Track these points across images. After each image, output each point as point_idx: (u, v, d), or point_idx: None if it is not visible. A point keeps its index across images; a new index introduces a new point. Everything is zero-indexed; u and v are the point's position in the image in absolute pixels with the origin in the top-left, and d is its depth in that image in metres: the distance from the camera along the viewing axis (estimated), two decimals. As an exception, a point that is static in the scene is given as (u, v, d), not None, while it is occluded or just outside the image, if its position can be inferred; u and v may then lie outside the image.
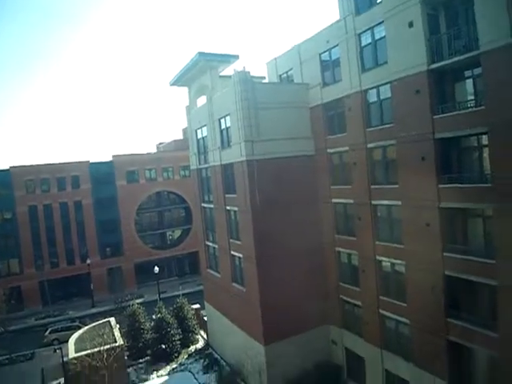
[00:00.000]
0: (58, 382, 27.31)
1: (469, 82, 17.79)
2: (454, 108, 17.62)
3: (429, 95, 17.97)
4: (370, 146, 21.69)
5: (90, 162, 52.89)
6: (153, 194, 56.93)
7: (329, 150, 24.92)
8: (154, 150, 73.89)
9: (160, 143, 74.49)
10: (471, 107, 17.11)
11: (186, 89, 33.41)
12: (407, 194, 19.49)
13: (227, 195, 27.23)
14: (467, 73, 17.62)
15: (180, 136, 67.33)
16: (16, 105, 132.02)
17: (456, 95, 18.22)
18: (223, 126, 26.98)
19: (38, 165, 50.54)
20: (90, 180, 52.37)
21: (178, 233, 60.85)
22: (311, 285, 25.33)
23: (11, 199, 48.60)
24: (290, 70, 28.17)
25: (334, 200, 24.89)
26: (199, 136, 31.58)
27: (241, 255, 26.22)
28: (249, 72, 24.45)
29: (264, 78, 31.69)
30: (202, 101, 31.38)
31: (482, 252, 16.84)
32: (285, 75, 29.17)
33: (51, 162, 51.20)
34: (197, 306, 38.12)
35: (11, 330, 40.88)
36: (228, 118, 25.88)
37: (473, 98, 17.40)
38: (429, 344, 19.03)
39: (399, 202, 20.10)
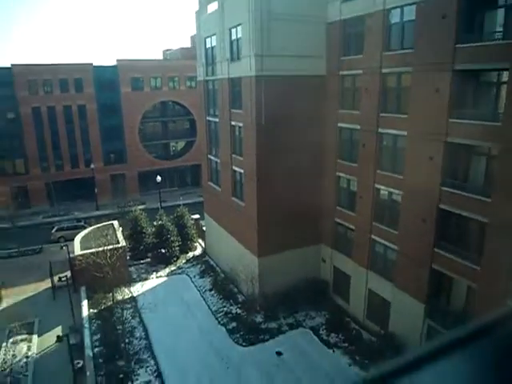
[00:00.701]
0: (64, 274, 29.47)
1: (500, 12, 16.47)
2: (479, 39, 16.54)
3: (455, 21, 16.73)
4: (384, 71, 20.77)
5: (94, 65, 50.91)
6: (157, 104, 55.82)
7: (341, 72, 23.92)
8: (160, 56, 70.65)
9: (167, 50, 70.97)
10: (498, 39, 16.05)
11: (196, -9, 30.98)
12: (416, 124, 19.18)
13: (233, 110, 26.79)
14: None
15: (188, 44, 63.94)
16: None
17: (485, 25, 16.99)
18: (233, 37, 25.53)
19: (40, 64, 48.69)
20: (94, 84, 50.89)
21: (181, 144, 60.90)
22: (308, 205, 26.12)
23: (14, 99, 47.79)
24: (310, -23, 25.83)
25: (340, 124, 24.54)
26: (208, 45, 30.04)
27: (242, 171, 26.64)
28: (265, -22, 22.46)
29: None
30: (213, 7, 29.25)
31: (479, 190, 17.12)
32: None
33: (54, 63, 49.32)
34: (196, 216, 39.69)
35: (19, 226, 43.10)
36: (239, 28, 24.37)
37: (501, 29, 16.23)
38: (413, 270, 20.24)
39: (406, 133, 19.87)
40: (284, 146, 24.40)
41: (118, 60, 51.82)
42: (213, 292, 29.24)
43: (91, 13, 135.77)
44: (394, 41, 20.38)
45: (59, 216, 47.64)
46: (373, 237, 23.03)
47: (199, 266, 33.63)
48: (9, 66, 47.30)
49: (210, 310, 27.07)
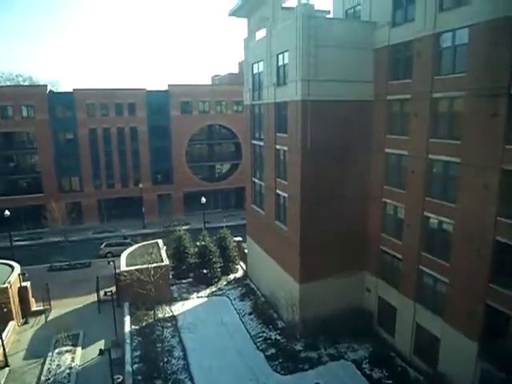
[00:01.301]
0: (110, 289, 30.41)
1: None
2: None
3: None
4: (435, 95, 20.16)
5: (147, 90, 53.76)
6: (205, 127, 57.62)
7: (389, 97, 23.53)
8: (209, 82, 73.33)
9: (215, 75, 73.65)
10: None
11: (245, 20, 32.08)
12: (469, 151, 18.31)
13: (278, 134, 27.01)
14: None
15: (236, 70, 65.98)
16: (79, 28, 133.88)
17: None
18: (280, 63, 26.02)
19: (98, 89, 52.28)
20: (146, 108, 53.62)
21: (226, 167, 62.09)
22: (352, 232, 25.47)
23: (74, 121, 51.35)
24: (358, 5, 26.06)
25: (388, 150, 23.96)
26: (255, 71, 30.80)
27: (286, 195, 26.56)
28: (313, 5, 22.90)
29: (328, 12, 29.62)
30: (261, 34, 30.13)
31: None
32: (351, 11, 27.09)
33: (110, 88, 52.66)
34: (239, 238, 39.85)
35: (71, 240, 45.26)
36: (286, 54, 24.83)
37: None
38: (466, 305, 18.92)
39: (459, 160, 18.99)
40: (329, 171, 24.15)
41: (169, 85, 54.37)
42: (252, 316, 28.89)
43: (144, 38, 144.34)
44: (446, 65, 19.80)
45: (108, 232, 49.69)
46: (421, 267, 21.89)
47: (240, 288, 33.49)
48: (71, 90, 51.07)
49: (249, 334, 26.68)
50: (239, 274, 36.58)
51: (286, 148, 26.00)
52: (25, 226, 49.80)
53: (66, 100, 51.05)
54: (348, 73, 23.77)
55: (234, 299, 31.72)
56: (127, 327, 26.63)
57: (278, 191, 27.78)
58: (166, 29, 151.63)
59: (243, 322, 28.16)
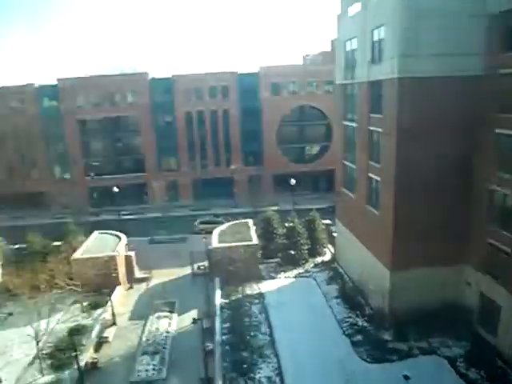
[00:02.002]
0: (202, 264, 32.49)
1: None
2: None
3: None
4: None
5: (238, 72, 54.93)
6: (295, 108, 57.19)
7: (502, 71, 20.74)
8: (300, 62, 72.25)
9: (307, 55, 72.20)
10: None
11: (339, -6, 30.68)
12: None
13: (372, 115, 25.69)
14: None
15: (328, 48, 63.91)
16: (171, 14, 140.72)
17: None
18: (376, 38, 24.45)
19: (193, 74, 54.91)
20: (238, 90, 54.96)
21: (316, 149, 61.22)
22: (452, 221, 23.46)
23: (171, 105, 54.82)
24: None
25: (499, 130, 21.25)
26: (348, 48, 29.45)
27: (379, 178, 25.34)
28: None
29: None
30: (355, 10, 28.53)
31: None
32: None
33: (205, 72, 54.91)
34: (327, 221, 39.36)
35: (169, 216, 48.91)
36: (383, 28, 23.23)
37: None
38: None
39: None
40: (427, 154, 22.35)
41: (260, 67, 54.83)
42: (339, 300, 28.56)
43: (232, 19, 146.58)
44: None
45: (202, 210, 52.63)
46: (535, 263, 19.40)
47: (327, 271, 33.24)
48: (170, 76, 54.42)
49: (335, 318, 26.47)
50: (327, 257, 36.25)
51: (380, 129, 24.65)
52: (130, 201, 55.09)
53: (165, 85, 54.72)
54: (453, 45, 21.40)
55: (321, 282, 31.61)
56: (218, 300, 28.19)
57: (370, 175, 26.62)
58: (255, 8, 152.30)
59: (330, 306, 28.00)
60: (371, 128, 25.92)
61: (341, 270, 33.05)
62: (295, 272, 33.64)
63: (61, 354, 23.50)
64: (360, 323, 25.62)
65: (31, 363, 23.38)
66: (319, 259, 35.80)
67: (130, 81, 55.12)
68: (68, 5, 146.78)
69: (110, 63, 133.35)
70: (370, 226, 26.85)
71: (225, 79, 54.67)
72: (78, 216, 45.39)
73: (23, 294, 23.64)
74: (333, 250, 36.59)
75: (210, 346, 22.98)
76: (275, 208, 44.61)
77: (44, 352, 23.69)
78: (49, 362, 23.21)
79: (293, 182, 46.02)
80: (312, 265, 34.82)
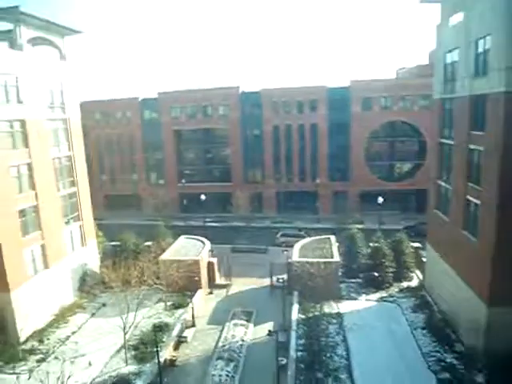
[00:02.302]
0: (281, 276, 32.34)
1: None
2: None
3: None
4: None
5: (328, 86, 54.54)
6: (386, 123, 54.91)
7: None
8: (393, 75, 69.49)
9: (401, 68, 69.15)
10: None
11: (438, 6, 28.90)
12: None
13: (473, 132, 23.55)
14: None
15: (425, 61, 60.56)
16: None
17: None
18: (480, 49, 22.45)
19: (282, 88, 55.94)
20: (327, 104, 54.53)
21: (407, 166, 58.03)
22: None
23: (260, 118, 56.38)
24: None
25: None
26: (448, 61, 27.51)
27: (478, 202, 23.01)
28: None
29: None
30: (457, 19, 26.63)
31: None
32: None
33: (294, 86, 55.49)
34: (417, 244, 36.85)
35: (252, 226, 49.86)
36: (488, 38, 21.26)
37: None
38: None
39: None
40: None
41: (351, 81, 53.83)
42: (425, 331, 26.29)
43: (321, 32, 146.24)
44: None
45: (284, 223, 52.78)
46: None
47: (413, 298, 30.89)
48: (259, 89, 56.13)
49: (420, 350, 24.37)
50: (414, 282, 33.75)
51: (481, 148, 22.45)
52: (215, 209, 57.40)
53: (255, 99, 56.48)
54: None
55: (406, 309, 29.46)
56: (294, 315, 27.76)
57: (468, 197, 24.30)
58: (346, 21, 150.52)
59: (414, 336, 25.90)
60: (471, 146, 23.74)
61: (429, 298, 30.50)
62: (378, 295, 31.83)
63: (144, 348, 25.12)
64: (448, 360, 23.24)
65: (118, 352, 25.30)
66: (405, 284, 33.44)
67: (222, 95, 57.93)
68: (158, 24, 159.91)
69: (202, 76, 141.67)
70: (466, 253, 24.40)
71: (314, 93, 54.65)
72: (168, 219, 48.54)
73: (116, 287, 25.64)
74: (421, 276, 33.99)
75: (283, 360, 22.64)
76: (360, 226, 42.99)
77: (129, 343, 25.49)
78: (133, 353, 24.90)
79: (380, 200, 44.02)
80: (397, 289, 32.65)
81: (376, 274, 32.78)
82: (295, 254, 32.75)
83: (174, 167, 60.79)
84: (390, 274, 32.81)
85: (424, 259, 33.72)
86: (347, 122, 54.54)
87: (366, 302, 30.99)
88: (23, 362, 24.51)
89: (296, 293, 30.42)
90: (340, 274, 32.36)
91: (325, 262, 29.56)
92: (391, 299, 31.15)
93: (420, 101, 52.64)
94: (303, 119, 55.58)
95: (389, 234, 37.10)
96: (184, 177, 60.19)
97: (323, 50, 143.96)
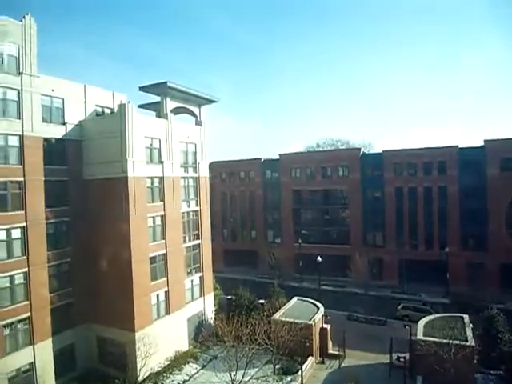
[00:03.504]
0: (403, 355, 28.65)
1: None
2: None
3: None
4: None
5: (459, 147, 50.46)
6: (533, 187, 47.61)
7: None
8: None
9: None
10: None
11: None
12: None
13: None
14: None
15: None
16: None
17: None
18: None
19: (406, 149, 53.69)
20: (457, 166, 50.14)
21: None
22: None
23: (381, 180, 54.45)
24: None
25: None
26: None
27: None
28: None
29: None
30: None
31: None
32: None
33: (418, 147, 52.89)
34: None
35: (370, 295, 46.40)
36: None
37: None
38: None
39: None
40: None
41: (485, 140, 48.98)
42: None
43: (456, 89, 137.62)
44: None
45: (406, 294, 47.96)
46: None
47: None
48: (380, 151, 54.75)
49: None
50: None
51: None
52: (331, 272, 55.23)
53: (376, 160, 55.16)
54: None
55: None
56: (418, 403, 23.98)
57: None
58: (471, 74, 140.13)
59: None
60: None
61: None
62: (527, 395, 25.81)
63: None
64: None
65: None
66: None
67: (343, 156, 57.97)
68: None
69: (322, 135, 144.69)
70: None
71: (442, 154, 50.94)
72: (282, 279, 48.18)
73: (228, 342, 25.68)
74: None
75: None
76: (500, 306, 36.53)
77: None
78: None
79: (528, 276, 37.21)
80: (556, 390, 26.10)
81: (524, 368, 26.85)
82: (419, 331, 28.92)
83: (291, 227, 61.40)
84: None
85: None
86: (483, 184, 48.75)
87: (513, 402, 25.30)
88: (140, 402, 25.60)
89: (419, 378, 26.46)
90: (475, 361, 27.32)
91: (456, 345, 25.37)
92: (548, 403, 24.91)
93: None
94: (430, 182, 51.71)
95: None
96: (301, 237, 60.07)
97: (451, 111, 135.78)
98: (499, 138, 48.52)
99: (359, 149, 59.62)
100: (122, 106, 29.00)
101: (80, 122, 30.39)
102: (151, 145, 30.88)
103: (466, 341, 26.90)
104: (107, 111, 32.81)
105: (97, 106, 31.98)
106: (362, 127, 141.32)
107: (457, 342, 25.31)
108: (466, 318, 30.97)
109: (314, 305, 35.19)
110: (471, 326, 29.77)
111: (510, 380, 27.18)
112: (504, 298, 42.43)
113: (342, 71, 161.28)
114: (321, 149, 79.91)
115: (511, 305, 40.09)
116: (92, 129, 30.19)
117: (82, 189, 29.77)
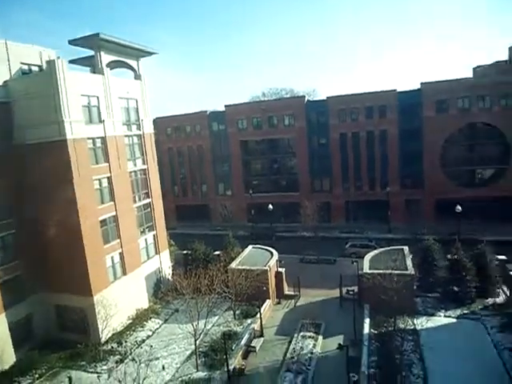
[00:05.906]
0: (351, 288, 31.19)
1: None
2: None
3: None
4: None
5: (397, 91, 52.28)
6: (463, 126, 50.97)
7: None
8: (469, 74, 64.83)
9: (477, 67, 64.25)
10: None
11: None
12: None
13: None
14: None
15: (503, 57, 55.80)
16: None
17: None
18: None
19: (349, 94, 54.77)
20: (396, 109, 52.23)
21: (489, 172, 53.24)
22: None
23: (326, 127, 55.68)
24: None
25: None
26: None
27: None
28: None
29: None
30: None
31: None
32: None
33: (360, 92, 54.11)
34: (502, 257, 33.59)
35: (320, 236, 48.85)
36: None
37: None
38: None
39: None
40: None
41: (421, 83, 51.10)
42: (518, 354, 23.66)
43: (388, 35, 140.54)
44: None
45: (353, 233, 51.19)
46: None
47: (499, 317, 28.01)
48: (324, 98, 55.49)
49: (509, 375, 21.94)
50: (500, 299, 30.68)
51: None
52: (283, 219, 57.25)
53: (320, 107, 55.91)
54: None
55: (491, 328, 26.78)
56: (366, 329, 26.53)
57: None
58: (407, 20, 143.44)
59: (502, 360, 23.38)
60: None
61: (519, 316, 27.49)
62: (458, 312, 29.38)
63: (213, 355, 25.58)
64: (545, 387, 20.65)
65: (189, 357, 26.02)
66: (490, 300, 30.50)
67: (288, 105, 58.15)
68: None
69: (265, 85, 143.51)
70: None
71: (382, 98, 52.62)
72: (236, 229, 49.27)
73: (187, 295, 26.47)
74: (508, 292, 30.79)
75: (355, 376, 21.65)
76: (435, 237, 40.24)
77: (200, 350, 26.10)
78: (203, 359, 25.46)
79: (459, 208, 40.93)
80: (480, 306, 29.88)
81: (456, 289, 30.35)
82: (366, 266, 31.45)
83: (241, 178, 61.98)
84: (473, 289, 30.16)
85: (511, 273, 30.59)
86: (420, 126, 51.53)
87: (445, 318, 28.77)
88: (104, 362, 26.22)
89: (367, 306, 29.16)
90: (415, 287, 30.40)
91: (398, 274, 27.95)
92: (473, 317, 28.57)
93: (501, 100, 48.33)
94: (372, 126, 53.68)
95: (469, 244, 34.13)
96: (251, 187, 60.99)
97: (390, 56, 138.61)
98: (434, 81, 50.81)
99: (303, 97, 59.85)
100: (50, 63, 26.70)
101: (5, 82, 27.79)
102: (89, 103, 29.04)
103: (406, 270, 29.75)
104: (35, 69, 30.11)
105: (22, 63, 29.17)
106: (307, 74, 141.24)
107: (398, 271, 27.80)
108: (406, 249, 33.94)
109: (269, 251, 36.71)
110: (411, 256, 32.75)
111: (443, 300, 30.72)
112: (439, 229, 46.58)
113: (280, 21, 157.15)
114: (266, 98, 79.33)
115: (445, 235, 44.12)
116: (21, 89, 27.70)
117: (20, 155, 27.78)
